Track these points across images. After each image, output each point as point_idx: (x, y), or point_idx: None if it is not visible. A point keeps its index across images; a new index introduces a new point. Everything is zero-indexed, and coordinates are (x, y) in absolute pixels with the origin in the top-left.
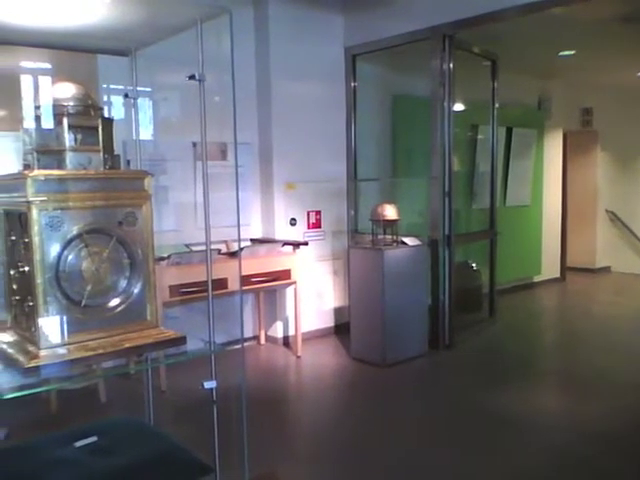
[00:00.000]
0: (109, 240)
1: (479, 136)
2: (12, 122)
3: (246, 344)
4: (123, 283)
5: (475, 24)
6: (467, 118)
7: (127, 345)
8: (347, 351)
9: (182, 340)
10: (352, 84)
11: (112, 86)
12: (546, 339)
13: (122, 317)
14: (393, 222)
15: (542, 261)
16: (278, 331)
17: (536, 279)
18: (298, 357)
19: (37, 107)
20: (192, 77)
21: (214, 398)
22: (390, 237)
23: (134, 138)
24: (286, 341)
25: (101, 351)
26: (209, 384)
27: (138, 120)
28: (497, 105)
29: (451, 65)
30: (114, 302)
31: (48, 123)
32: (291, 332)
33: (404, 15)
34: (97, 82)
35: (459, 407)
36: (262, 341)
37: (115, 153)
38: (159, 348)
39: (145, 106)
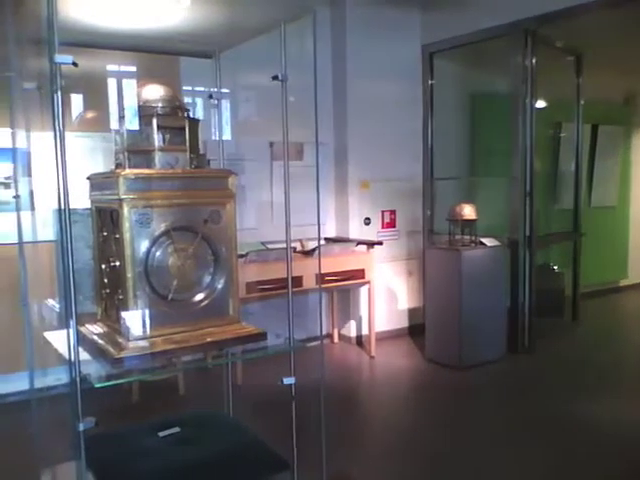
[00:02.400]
0: (194, 237)
1: (562, 134)
2: (101, 123)
3: (317, 343)
4: (207, 279)
5: (559, 18)
6: (550, 116)
7: (210, 339)
8: (421, 353)
9: (263, 336)
10: (429, 82)
11: (193, 87)
12: (632, 346)
13: (206, 312)
14: (471, 222)
15: (629, 264)
16: (351, 330)
17: (622, 283)
18: (372, 357)
19: (127, 108)
20: (275, 77)
21: (293, 394)
22: (468, 237)
23: (214, 138)
24: (359, 340)
25: (185, 344)
26: (288, 380)
27: (221, 120)
28: (582, 102)
29: (533, 61)
30: (198, 297)
31: (138, 124)
32: (364, 332)
33: (484, 11)
34: (179, 84)
35: (537, 413)
36: (335, 340)
37: (200, 153)
38: (240, 343)
39: (224, 107)
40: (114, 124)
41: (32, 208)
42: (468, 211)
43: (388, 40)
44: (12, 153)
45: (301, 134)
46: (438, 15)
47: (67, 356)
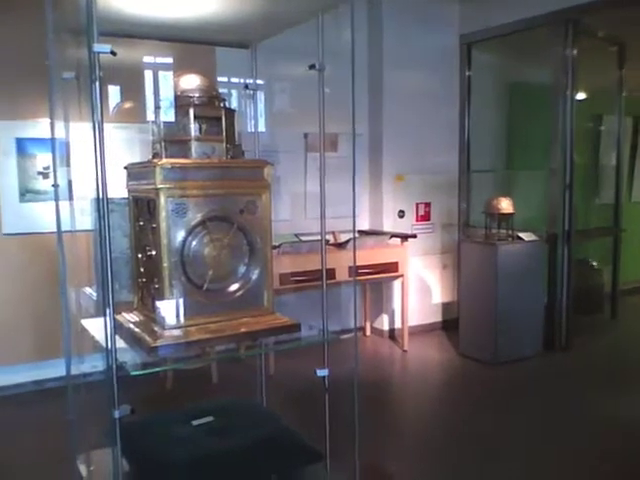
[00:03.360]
0: (230, 227)
1: (603, 127)
2: (138, 114)
3: (351, 335)
4: (242, 269)
5: (601, 8)
6: (590, 108)
7: (244, 329)
8: (455, 347)
9: (296, 327)
10: (466, 73)
11: (229, 79)
12: None
13: (240, 302)
14: (508, 216)
15: None
16: (384, 324)
17: None
18: (404, 351)
19: (164, 98)
20: (312, 67)
21: (326, 386)
22: (505, 231)
23: (250, 129)
24: (392, 334)
25: (220, 334)
26: (321, 372)
27: (257, 111)
28: (624, 94)
29: (574, 51)
30: (233, 287)
31: (175, 114)
32: (397, 325)
33: (524, 0)
34: (215, 74)
35: (573, 412)
36: (367, 333)
37: (236, 143)
38: (274, 334)
39: (259, 98)
40: (151, 115)
41: (70, 198)
42: (505, 204)
43: (425, 30)
44: (51, 143)
45: (336, 125)
46: (476, 5)
47: (104, 344)
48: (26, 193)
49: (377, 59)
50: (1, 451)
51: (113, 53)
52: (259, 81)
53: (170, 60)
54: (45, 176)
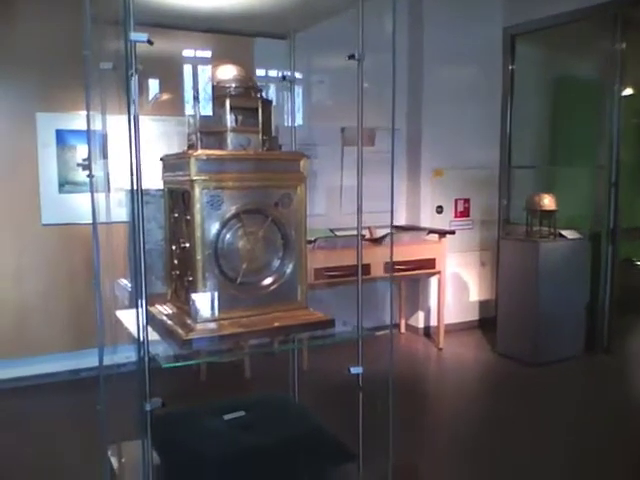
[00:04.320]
0: (265, 220)
1: None
2: (175, 107)
3: (386, 332)
4: (276, 263)
5: None
6: (638, 103)
7: (277, 324)
8: (492, 346)
9: (330, 323)
10: (510, 67)
11: (266, 70)
12: None
13: (274, 296)
14: (551, 213)
15: None
16: (419, 321)
17: None
18: (440, 349)
19: (200, 89)
20: (352, 57)
21: (360, 384)
22: (547, 229)
23: (287, 122)
24: (427, 331)
25: (253, 328)
26: (355, 369)
27: (294, 103)
28: None
29: (623, 45)
30: (267, 281)
31: (211, 105)
32: (432, 323)
33: None
34: (252, 66)
35: (615, 416)
36: (402, 330)
37: (273, 135)
38: (308, 329)
39: (296, 90)
40: (188, 108)
41: (108, 189)
42: (548, 201)
43: (467, 22)
44: (86, 135)
45: (373, 119)
46: None
47: (136, 336)
48: (65, 184)
49: (417, 51)
50: (34, 439)
51: (150, 42)
52: (297, 74)
53: (208, 52)
54: (84, 168)
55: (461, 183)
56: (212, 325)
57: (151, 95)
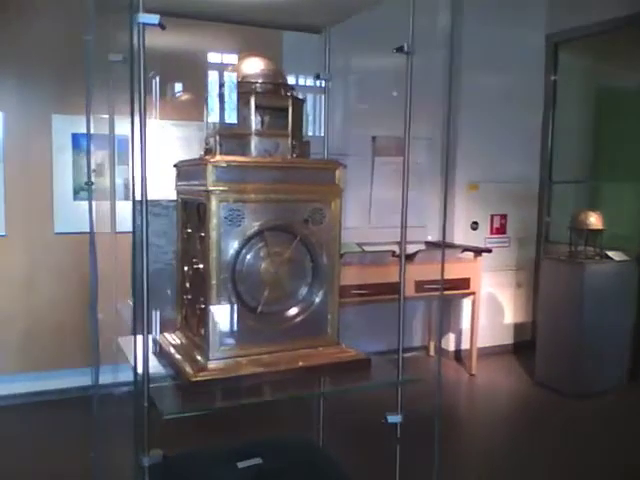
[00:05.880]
0: (292, 239)
1: None
2: (199, 111)
3: (413, 354)
4: (304, 290)
5: None
6: None
7: (302, 363)
8: (528, 374)
9: (366, 363)
10: (552, 76)
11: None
12: None
13: (300, 329)
14: (597, 232)
15: None
16: (450, 344)
17: None
18: (472, 375)
19: (222, 85)
20: (400, 49)
21: (398, 435)
22: (592, 249)
23: (312, 129)
24: (457, 355)
25: (274, 368)
26: (393, 418)
27: (328, 104)
28: None
29: None
30: (292, 311)
31: (232, 103)
32: (464, 346)
33: None
34: (281, 63)
35: None
36: (431, 353)
37: (304, 140)
38: (339, 371)
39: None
40: (207, 108)
41: (116, 197)
42: (594, 220)
43: (509, 27)
44: (87, 136)
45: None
46: (565, 1)
47: (137, 370)
48: (80, 191)
49: (455, 56)
50: (38, 457)
51: (162, 26)
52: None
53: (233, 44)
54: (99, 174)
55: (498, 198)
56: (226, 364)
57: (168, 94)
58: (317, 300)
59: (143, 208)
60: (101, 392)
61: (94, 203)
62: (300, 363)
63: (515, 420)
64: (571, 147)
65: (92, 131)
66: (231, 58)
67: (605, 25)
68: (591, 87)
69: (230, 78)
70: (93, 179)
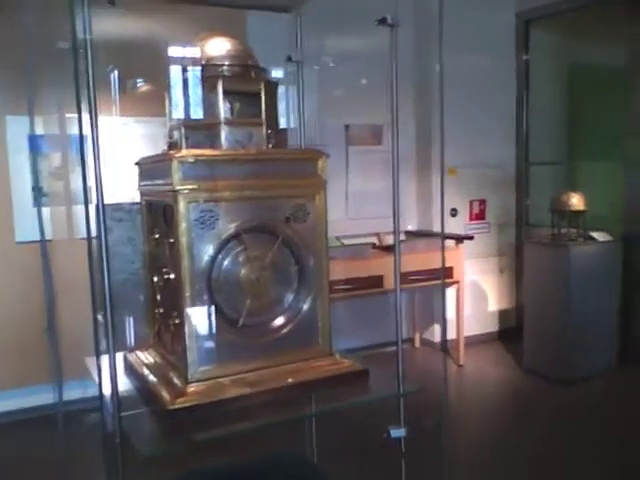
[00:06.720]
0: (273, 241)
1: None
2: (162, 105)
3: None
4: (290, 297)
5: None
6: None
7: (292, 380)
8: (516, 361)
9: (363, 375)
10: (524, 55)
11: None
12: None
13: (287, 341)
14: (579, 213)
15: None
16: (435, 335)
17: None
18: (460, 366)
19: (184, 70)
20: (382, 21)
21: (402, 450)
22: (575, 231)
23: (292, 113)
24: (444, 346)
25: (261, 387)
26: (397, 432)
27: (302, 88)
28: None
29: None
30: (278, 321)
31: (196, 90)
32: (450, 336)
33: None
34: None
35: None
36: (417, 344)
37: (280, 127)
38: (334, 385)
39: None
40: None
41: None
42: (576, 201)
43: (478, 6)
44: (29, 137)
45: (379, 115)
46: None
47: (101, 412)
48: (41, 196)
49: (424, 40)
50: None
51: (111, 1)
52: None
53: (192, 31)
54: (57, 177)
55: (476, 183)
56: (207, 385)
57: (130, 88)
58: (305, 307)
59: (100, 212)
60: (68, 409)
61: (49, 209)
62: (289, 380)
63: (506, 409)
64: (546, 128)
65: (49, 131)
66: (193, 43)
67: (575, 2)
68: (564, 65)
69: (192, 62)
70: (48, 183)
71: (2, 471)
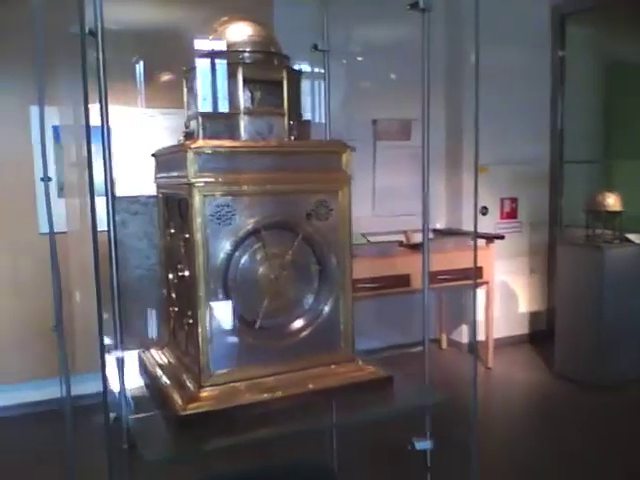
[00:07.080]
0: (293, 238)
1: None
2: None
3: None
4: (310, 298)
5: None
6: None
7: (312, 386)
8: (547, 365)
9: (387, 382)
10: (559, 51)
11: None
12: None
13: (307, 345)
14: (616, 214)
15: None
16: (463, 336)
17: None
18: (488, 368)
19: (203, 57)
20: (414, 5)
21: (428, 463)
22: (611, 233)
23: (318, 104)
24: (474, 348)
25: (279, 394)
26: (422, 444)
27: (329, 79)
28: None
29: None
30: (297, 324)
31: (216, 77)
32: (478, 337)
33: None
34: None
35: None
36: (444, 345)
37: (303, 119)
38: (357, 392)
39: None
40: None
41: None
42: (612, 201)
43: (512, 1)
44: (40, 124)
45: (408, 110)
46: None
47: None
48: (65, 187)
49: (456, 35)
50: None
51: None
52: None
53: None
54: (77, 168)
55: (508, 180)
56: (222, 390)
57: (155, 80)
58: (326, 309)
59: (109, 205)
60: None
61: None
62: (310, 386)
63: (537, 416)
64: (582, 125)
65: (72, 122)
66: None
67: None
68: (601, 61)
69: (212, 48)
70: (76, 175)
71: (11, 459)
